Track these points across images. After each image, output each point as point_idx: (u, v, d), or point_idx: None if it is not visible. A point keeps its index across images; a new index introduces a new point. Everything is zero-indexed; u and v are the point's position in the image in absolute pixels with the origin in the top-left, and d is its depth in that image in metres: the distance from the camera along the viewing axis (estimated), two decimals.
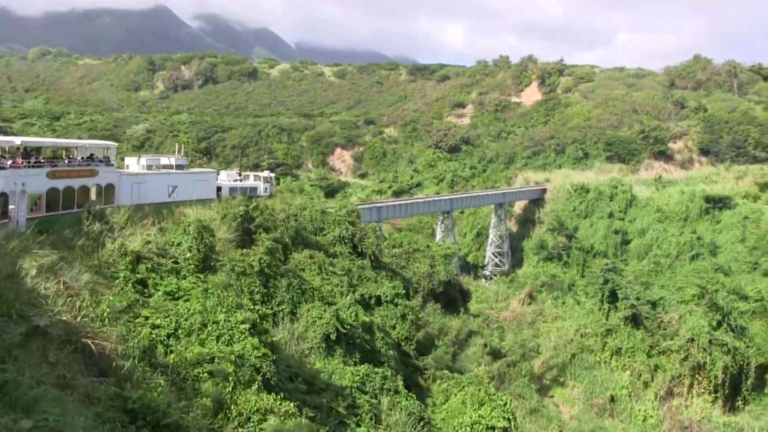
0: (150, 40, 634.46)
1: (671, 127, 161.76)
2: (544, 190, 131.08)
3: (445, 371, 53.29)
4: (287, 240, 52.97)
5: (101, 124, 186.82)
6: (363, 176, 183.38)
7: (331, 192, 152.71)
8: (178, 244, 43.21)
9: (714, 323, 63.44)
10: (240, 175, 72.90)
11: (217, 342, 32.09)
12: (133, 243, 39.55)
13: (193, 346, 31.11)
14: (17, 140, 41.99)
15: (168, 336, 31.47)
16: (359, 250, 62.12)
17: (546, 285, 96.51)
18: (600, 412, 59.96)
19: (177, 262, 41.19)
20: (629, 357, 66.34)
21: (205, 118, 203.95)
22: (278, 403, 27.86)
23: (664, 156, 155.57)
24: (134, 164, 55.26)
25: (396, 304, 54.98)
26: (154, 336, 30.89)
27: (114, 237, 40.98)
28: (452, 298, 71.78)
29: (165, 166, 57.23)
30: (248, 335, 34.10)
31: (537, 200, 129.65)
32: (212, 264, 43.58)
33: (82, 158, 47.24)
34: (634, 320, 68.31)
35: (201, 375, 28.35)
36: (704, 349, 60.92)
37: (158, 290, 36.93)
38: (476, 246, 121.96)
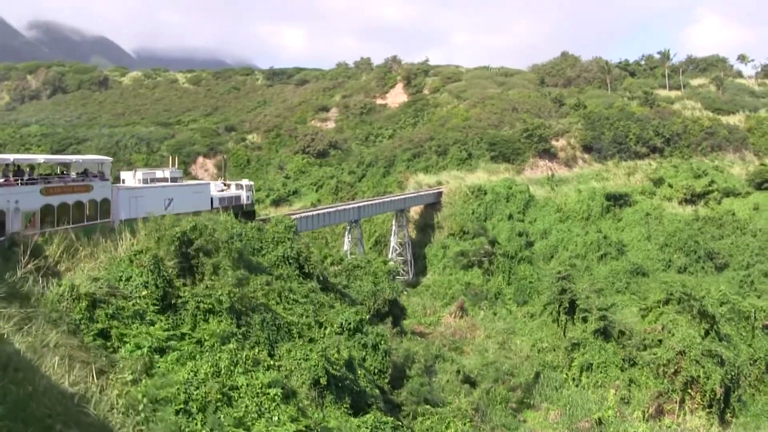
0: None
1: (553, 124, 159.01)
2: (440, 194, 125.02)
3: (426, 406, 45.81)
4: (230, 264, 43.95)
5: None
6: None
7: None
8: (128, 279, 34.46)
9: (702, 332, 58.12)
10: (225, 185, 70.37)
11: (247, 417, 23.91)
12: (79, 281, 30.67)
13: (223, 427, 22.69)
14: (9, 157, 41.47)
15: (178, 413, 22.76)
16: (305, 271, 53.63)
17: (467, 295, 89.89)
18: None
19: (136, 303, 32.51)
20: (601, 373, 60.21)
21: (57, 130, 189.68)
22: None
23: (548, 154, 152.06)
24: (130, 178, 55.81)
25: (364, 333, 46.85)
26: (158, 415, 22.12)
27: (50, 273, 32.45)
28: (396, 317, 64.44)
29: (160, 179, 57.34)
30: (280, 403, 25.95)
31: (433, 204, 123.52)
32: (173, 302, 34.86)
33: (77, 174, 46.89)
34: (604, 332, 62.15)
35: None
36: (697, 362, 55.29)
37: (126, 342, 28.23)
38: (375, 255, 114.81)
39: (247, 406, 24.10)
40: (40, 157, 48.74)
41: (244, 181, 72.49)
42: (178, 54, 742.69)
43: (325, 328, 43.78)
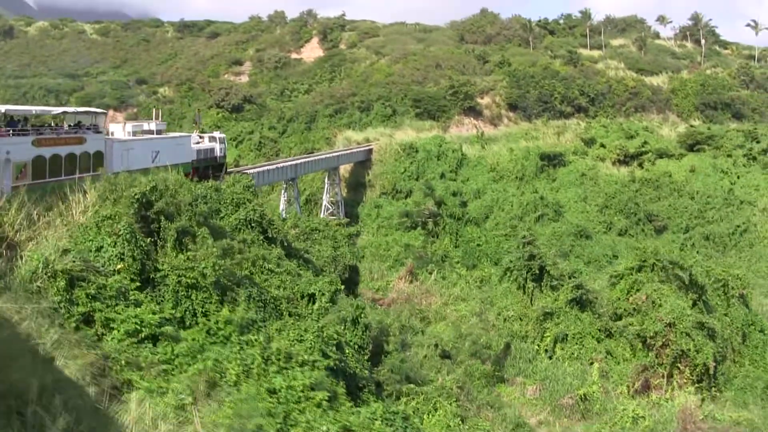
0: None
1: (478, 82, 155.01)
2: (371, 151, 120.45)
3: (410, 385, 41.62)
4: (194, 228, 38.33)
5: None
6: None
7: None
8: (99, 250, 28.77)
9: (690, 303, 54.81)
10: (201, 137, 69.20)
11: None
12: (48, 253, 24.99)
13: None
14: (1, 108, 41.14)
15: None
16: (269, 236, 48.39)
17: (410, 258, 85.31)
18: (570, 414, 49.81)
19: (117, 280, 26.93)
20: (577, 344, 56.49)
21: None
22: None
23: (474, 112, 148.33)
24: (119, 131, 55.61)
25: (340, 305, 41.94)
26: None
27: (13, 243, 26.81)
28: (355, 284, 60.04)
29: (146, 132, 57.68)
30: (326, 408, 21.09)
31: (363, 162, 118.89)
32: (150, 276, 29.49)
33: (70, 126, 47.19)
34: (579, 302, 58.37)
35: None
36: (687, 335, 51.99)
37: (114, 330, 22.86)
38: (306, 214, 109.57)
39: (300, 419, 19.24)
40: (33, 109, 49.13)
41: (217, 134, 71.88)
42: (79, 6, 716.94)
43: (313, 302, 38.95)
